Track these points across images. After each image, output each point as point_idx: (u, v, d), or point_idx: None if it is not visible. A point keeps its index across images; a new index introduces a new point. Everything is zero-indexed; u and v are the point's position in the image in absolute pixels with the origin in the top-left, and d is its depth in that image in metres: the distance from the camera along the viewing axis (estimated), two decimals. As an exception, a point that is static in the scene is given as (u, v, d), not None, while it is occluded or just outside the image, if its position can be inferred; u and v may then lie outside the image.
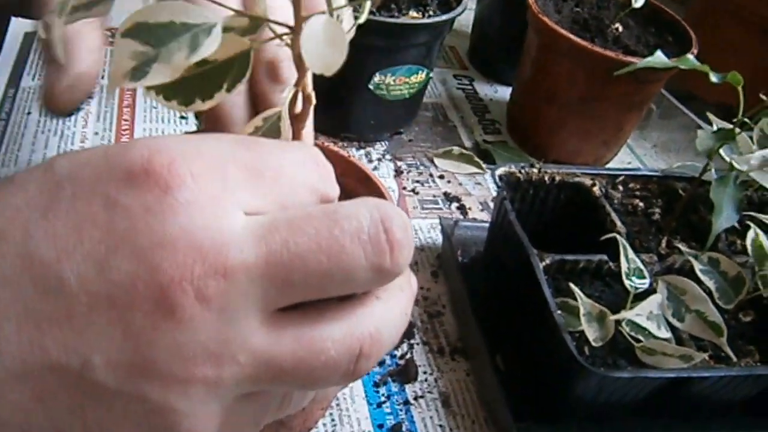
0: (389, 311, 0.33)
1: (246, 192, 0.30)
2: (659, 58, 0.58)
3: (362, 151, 0.90)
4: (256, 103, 0.46)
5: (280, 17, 0.35)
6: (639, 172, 0.73)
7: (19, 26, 1.01)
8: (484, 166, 0.89)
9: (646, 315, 0.51)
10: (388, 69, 0.83)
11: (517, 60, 0.97)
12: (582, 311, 0.53)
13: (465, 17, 1.18)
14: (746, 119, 0.62)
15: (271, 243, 0.28)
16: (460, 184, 0.88)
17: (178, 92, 0.34)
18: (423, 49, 0.85)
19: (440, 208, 0.84)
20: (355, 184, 0.53)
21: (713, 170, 0.64)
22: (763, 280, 0.60)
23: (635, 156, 1.01)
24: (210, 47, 0.31)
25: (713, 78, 0.57)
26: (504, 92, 1.08)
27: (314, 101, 0.40)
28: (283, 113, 0.37)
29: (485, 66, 1.14)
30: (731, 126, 0.61)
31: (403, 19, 0.82)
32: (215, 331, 0.27)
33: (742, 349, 0.60)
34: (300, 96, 0.39)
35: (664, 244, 0.67)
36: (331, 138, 0.90)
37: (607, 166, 0.97)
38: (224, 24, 0.31)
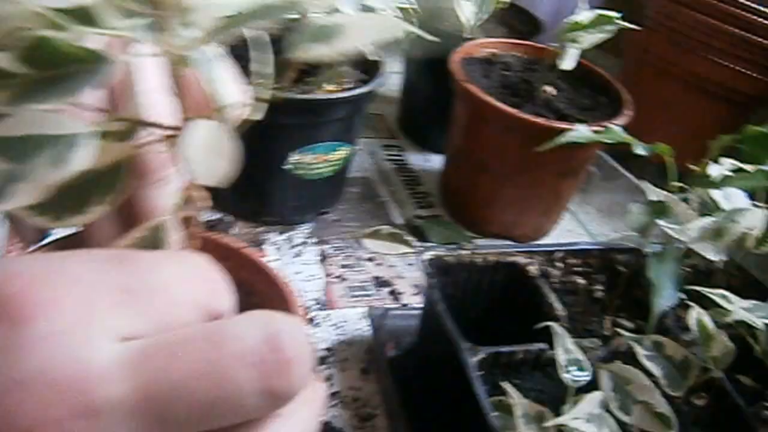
0: (292, 429, 0.31)
1: (117, 316, 0.28)
2: (581, 132, 0.58)
3: (284, 236, 0.88)
4: (136, 206, 0.44)
5: (158, 114, 0.34)
6: (578, 247, 0.73)
7: None
8: (414, 245, 0.89)
9: (585, 417, 0.49)
10: (305, 147, 0.82)
11: (448, 128, 0.97)
12: (518, 413, 0.51)
13: (391, 81, 1.19)
14: (682, 185, 0.62)
15: (145, 373, 0.26)
16: (391, 266, 0.87)
17: (47, 209, 0.32)
18: (342, 124, 0.84)
19: (370, 295, 0.82)
20: (253, 277, 0.51)
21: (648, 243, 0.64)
22: (714, 362, 0.59)
23: (579, 223, 1.02)
24: (81, 160, 0.29)
25: (639, 151, 0.57)
26: (436, 161, 1.07)
27: (209, 202, 0.38)
28: (167, 222, 0.35)
29: (416, 134, 1.14)
30: (665, 195, 0.61)
31: (317, 95, 0.81)
32: None
33: (696, 437, 0.58)
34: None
35: (609, 324, 0.66)
36: (251, 223, 0.88)
37: (548, 239, 0.97)
38: (98, 130, 0.30)
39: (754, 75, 1.02)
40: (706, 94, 1.04)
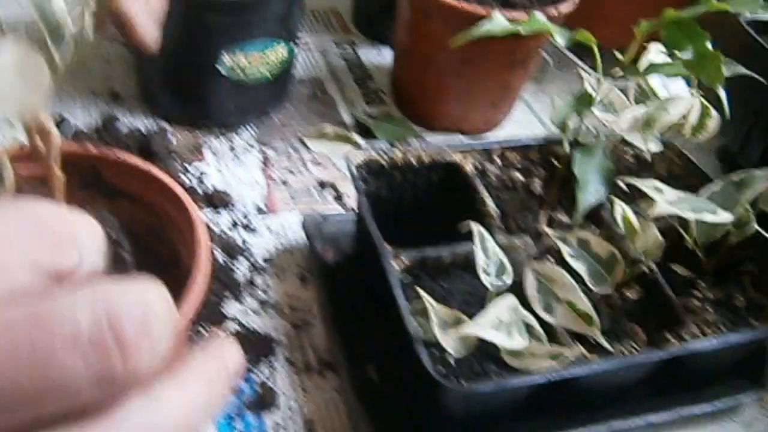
0: (157, 416, 0.27)
1: None
2: (498, 22, 0.55)
3: (224, 139, 0.85)
4: None
5: None
6: (517, 143, 0.70)
7: None
8: (362, 143, 0.86)
9: (491, 324, 0.48)
10: (237, 46, 0.78)
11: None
12: (434, 320, 0.50)
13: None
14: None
15: None
16: (336, 167, 0.84)
17: None
18: (276, 21, 0.80)
19: (314, 198, 0.79)
20: (163, 200, 0.49)
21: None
22: (644, 255, 0.57)
23: (533, 113, 0.99)
24: None
25: (559, 39, 0.53)
26: (390, 56, 1.03)
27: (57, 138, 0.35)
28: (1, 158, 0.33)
29: (369, 27, 1.10)
30: (599, 84, 0.58)
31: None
32: None
33: (626, 330, 0.57)
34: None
35: (544, 221, 0.64)
36: (190, 128, 0.85)
37: (500, 130, 0.94)
38: None
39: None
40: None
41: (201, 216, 0.47)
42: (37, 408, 0.24)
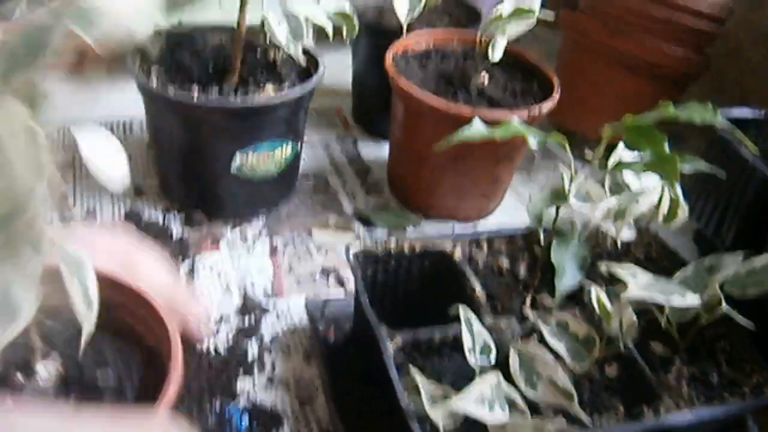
0: None
1: None
2: (476, 129, 0.59)
3: (237, 231, 0.89)
4: None
5: None
6: (502, 232, 0.74)
7: None
8: (362, 232, 0.90)
9: (474, 398, 0.51)
10: (248, 148, 0.83)
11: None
12: (424, 395, 0.53)
13: (347, 75, 1.20)
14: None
15: None
16: (339, 255, 0.88)
17: None
18: (283, 123, 0.85)
19: (317, 283, 0.83)
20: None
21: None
22: (621, 334, 0.60)
23: (522, 202, 1.03)
24: None
25: (532, 143, 0.58)
26: (387, 149, 1.09)
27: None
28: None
29: (367, 124, 1.16)
30: (573, 177, 0.62)
31: (256, 100, 0.82)
32: None
33: (605, 404, 0.60)
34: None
35: (528, 303, 0.68)
36: (206, 220, 0.89)
37: (492, 217, 0.98)
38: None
39: (682, 55, 1.03)
40: (637, 75, 1.05)
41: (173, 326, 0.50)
42: None
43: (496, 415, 0.51)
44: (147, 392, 0.48)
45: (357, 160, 1.08)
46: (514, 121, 0.59)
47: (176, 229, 0.87)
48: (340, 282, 0.84)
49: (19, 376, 0.48)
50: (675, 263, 0.72)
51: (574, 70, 1.10)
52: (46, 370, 0.48)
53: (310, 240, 0.90)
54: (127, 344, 0.52)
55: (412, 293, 0.72)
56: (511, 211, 1.01)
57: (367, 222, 0.94)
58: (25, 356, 0.48)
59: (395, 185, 1.00)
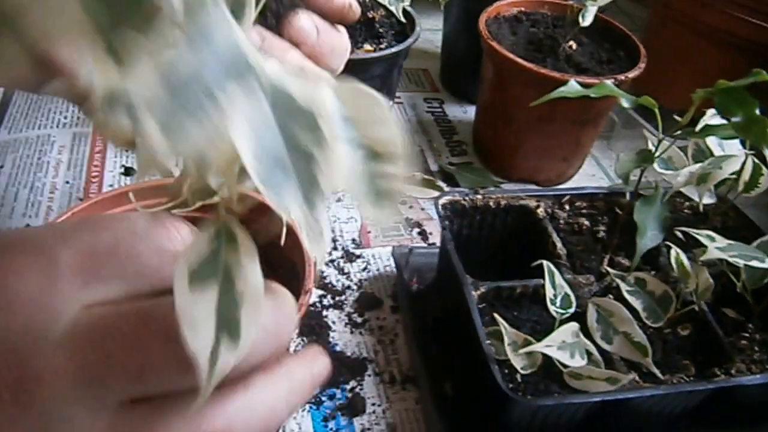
0: (253, 403, 0.30)
1: (77, 281, 0.28)
2: (572, 87, 0.59)
3: (328, 182, 0.91)
4: None
5: None
6: (584, 191, 0.74)
7: (-2, 81, 1.03)
8: (446, 189, 0.91)
9: (557, 345, 0.52)
10: (343, 103, 0.85)
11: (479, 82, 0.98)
12: (506, 341, 0.54)
13: (437, 38, 1.20)
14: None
15: (84, 346, 0.27)
16: (423, 209, 0.89)
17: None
18: (378, 80, 0.86)
19: (402, 235, 0.85)
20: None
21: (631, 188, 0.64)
22: (695, 295, 0.60)
23: (600, 168, 1.02)
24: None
25: (624, 103, 0.57)
26: (473, 112, 1.08)
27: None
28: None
29: (455, 87, 1.15)
30: (660, 142, 0.61)
31: (354, 55, 0.83)
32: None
33: (677, 364, 0.60)
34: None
35: (606, 262, 0.68)
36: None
37: (570, 182, 0.97)
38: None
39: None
40: (724, 47, 1.02)
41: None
42: (138, 387, 0.28)
43: (575, 361, 0.52)
44: None
45: (443, 121, 1.08)
46: (607, 82, 0.59)
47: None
48: (423, 234, 0.85)
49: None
50: (753, 233, 0.70)
51: (660, 41, 1.08)
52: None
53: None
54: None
55: (494, 247, 0.73)
56: (590, 178, 1.00)
57: (450, 180, 0.95)
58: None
59: (480, 146, 1.00)
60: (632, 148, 1.04)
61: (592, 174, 1.00)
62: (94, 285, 0.28)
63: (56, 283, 0.28)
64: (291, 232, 0.54)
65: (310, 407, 0.63)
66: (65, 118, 0.98)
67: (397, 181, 0.29)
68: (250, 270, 0.28)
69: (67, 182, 0.86)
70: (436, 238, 0.84)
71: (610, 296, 0.62)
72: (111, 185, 0.86)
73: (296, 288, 0.49)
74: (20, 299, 0.27)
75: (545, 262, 0.58)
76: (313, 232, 0.26)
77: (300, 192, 0.25)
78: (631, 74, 0.85)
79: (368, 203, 0.28)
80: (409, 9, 0.88)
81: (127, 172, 0.89)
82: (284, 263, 0.53)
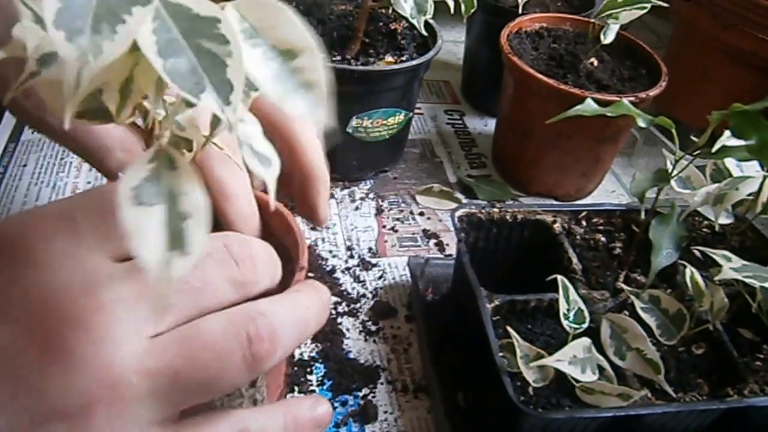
0: (285, 309, 0.35)
1: (98, 236, 0.32)
2: (589, 105, 0.59)
3: (346, 191, 0.92)
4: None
5: None
6: (602, 207, 0.74)
7: (25, 82, 1.05)
8: (462, 201, 0.91)
9: (568, 359, 0.52)
10: (364, 113, 0.86)
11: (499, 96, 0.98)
12: (519, 354, 0.54)
13: (458, 50, 1.21)
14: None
15: (158, 363, 0.31)
16: (440, 220, 0.90)
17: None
18: (399, 92, 0.87)
19: (418, 245, 0.85)
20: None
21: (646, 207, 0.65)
22: (709, 314, 0.60)
23: (620, 185, 1.02)
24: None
25: (641, 123, 0.58)
26: (493, 125, 1.09)
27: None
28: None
29: (476, 99, 1.16)
30: (677, 162, 0.62)
31: (375, 67, 0.84)
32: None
33: (691, 382, 0.60)
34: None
35: (621, 279, 0.68)
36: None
37: (589, 198, 0.98)
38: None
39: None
40: (747, 68, 1.01)
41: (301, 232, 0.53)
42: (204, 395, 0.33)
43: (586, 376, 0.52)
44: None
45: (463, 133, 1.09)
46: (625, 101, 0.59)
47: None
48: (440, 246, 0.86)
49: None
50: (772, 253, 0.71)
51: (683, 59, 1.08)
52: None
53: (414, 204, 0.92)
54: None
55: (509, 260, 0.73)
56: (609, 195, 1.00)
57: (468, 192, 0.95)
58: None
59: (499, 159, 1.01)
60: (653, 165, 1.04)
61: (612, 190, 1.00)
62: (111, 239, 0.32)
63: (80, 239, 0.31)
64: (283, 220, 0.54)
65: (323, 413, 0.64)
66: (90, 120, 0.99)
67: (317, 72, 0.31)
68: (192, 191, 0.32)
69: (89, 182, 0.88)
70: (452, 250, 0.85)
71: (625, 313, 0.62)
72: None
73: (293, 269, 0.51)
74: (56, 258, 0.30)
75: (560, 277, 0.59)
76: (233, 127, 0.28)
77: (214, 91, 0.28)
78: (652, 92, 0.85)
79: (294, 96, 0.30)
80: (431, 21, 0.89)
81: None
82: (280, 252, 0.54)
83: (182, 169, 0.32)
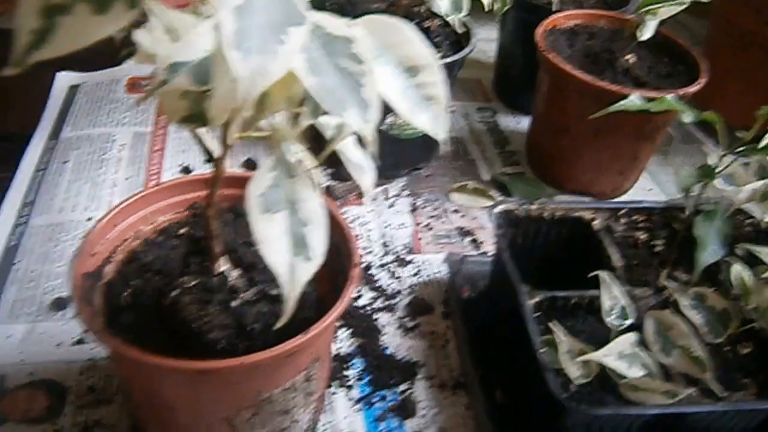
0: None
1: None
2: (632, 101, 0.59)
3: (380, 188, 0.92)
4: None
5: None
6: (642, 205, 0.73)
7: (63, 81, 1.06)
8: (498, 199, 0.90)
9: (615, 355, 0.51)
10: (400, 110, 0.85)
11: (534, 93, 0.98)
12: (562, 349, 0.53)
13: (490, 48, 1.20)
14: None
15: None
16: (475, 218, 0.89)
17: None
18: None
19: (453, 243, 0.85)
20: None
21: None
22: (756, 313, 0.59)
23: (657, 183, 1.01)
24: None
25: (686, 119, 0.57)
26: (526, 122, 1.08)
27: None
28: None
29: (508, 97, 1.15)
30: (721, 159, 0.61)
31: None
32: None
33: (737, 382, 0.59)
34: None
35: (664, 276, 0.67)
36: (348, 177, 0.92)
37: (623, 196, 0.96)
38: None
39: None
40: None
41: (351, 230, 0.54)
42: None
43: (633, 372, 0.51)
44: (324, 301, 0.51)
45: (495, 131, 1.08)
46: (669, 96, 0.58)
47: (324, 182, 0.90)
48: (475, 243, 0.85)
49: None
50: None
51: (720, 56, 1.06)
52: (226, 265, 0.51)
53: (448, 202, 0.91)
54: None
55: (547, 257, 0.72)
56: (645, 192, 0.99)
57: (503, 190, 0.94)
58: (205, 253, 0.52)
59: (533, 157, 1.00)
60: (690, 163, 1.03)
61: (648, 188, 0.99)
62: None
63: None
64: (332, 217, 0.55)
65: (362, 407, 0.63)
66: (125, 117, 1.00)
67: (438, 87, 0.34)
68: (310, 198, 0.36)
69: (127, 178, 0.88)
70: (487, 247, 0.84)
71: (668, 310, 0.61)
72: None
73: (344, 265, 0.51)
74: None
75: (602, 273, 0.58)
76: (369, 144, 0.31)
77: (356, 109, 0.31)
78: (692, 89, 0.84)
79: (419, 111, 0.33)
80: (464, 20, 0.88)
81: (185, 170, 0.90)
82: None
83: (300, 178, 0.35)
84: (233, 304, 0.50)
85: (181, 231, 0.59)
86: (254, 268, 0.53)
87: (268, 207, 0.35)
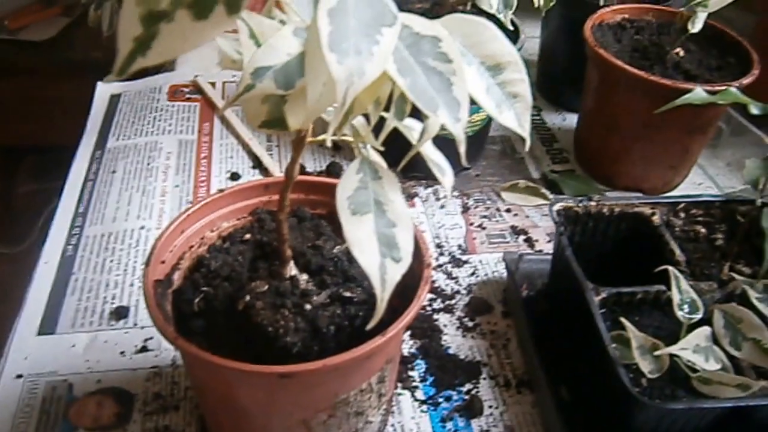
0: None
1: None
2: (698, 94, 0.60)
3: (430, 189, 0.93)
4: None
5: None
6: (700, 198, 0.74)
7: (104, 90, 1.09)
8: (551, 197, 0.92)
9: (692, 348, 0.52)
10: (449, 110, 0.87)
11: (582, 89, 0.99)
12: (634, 344, 0.55)
13: (531, 46, 1.21)
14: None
15: None
16: (527, 216, 0.90)
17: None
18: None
19: (507, 242, 0.86)
20: None
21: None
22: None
23: (708, 176, 1.01)
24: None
25: (754, 111, 0.58)
26: (572, 120, 1.09)
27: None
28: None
29: (553, 94, 1.16)
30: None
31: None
32: None
33: (812, 376, 0.60)
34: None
35: (726, 270, 0.68)
36: (401, 178, 0.94)
37: (676, 191, 0.97)
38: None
39: None
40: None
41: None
42: None
43: (710, 365, 0.52)
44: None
45: (542, 129, 1.09)
46: (733, 88, 0.59)
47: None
48: (530, 242, 0.86)
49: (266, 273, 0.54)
50: None
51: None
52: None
53: (499, 201, 0.92)
54: None
55: (606, 253, 0.73)
56: (696, 186, 0.99)
57: (554, 187, 0.96)
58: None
59: (582, 153, 1.01)
60: (741, 156, 1.03)
61: (699, 182, 1.00)
62: None
63: None
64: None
65: (428, 408, 0.65)
66: (170, 125, 1.02)
67: (522, 84, 0.34)
68: (396, 199, 0.37)
69: (177, 186, 0.91)
70: (542, 246, 0.85)
71: (734, 303, 0.62)
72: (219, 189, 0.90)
73: (415, 265, 0.52)
74: None
75: (670, 268, 0.59)
76: (461, 142, 0.33)
77: (447, 108, 0.32)
78: (745, 80, 0.85)
79: (505, 109, 0.35)
80: (513, 17, 0.89)
81: (234, 176, 0.93)
82: None
83: (386, 179, 0.36)
84: (307, 307, 0.52)
85: (246, 236, 0.61)
86: (323, 271, 0.55)
87: (357, 209, 0.36)
